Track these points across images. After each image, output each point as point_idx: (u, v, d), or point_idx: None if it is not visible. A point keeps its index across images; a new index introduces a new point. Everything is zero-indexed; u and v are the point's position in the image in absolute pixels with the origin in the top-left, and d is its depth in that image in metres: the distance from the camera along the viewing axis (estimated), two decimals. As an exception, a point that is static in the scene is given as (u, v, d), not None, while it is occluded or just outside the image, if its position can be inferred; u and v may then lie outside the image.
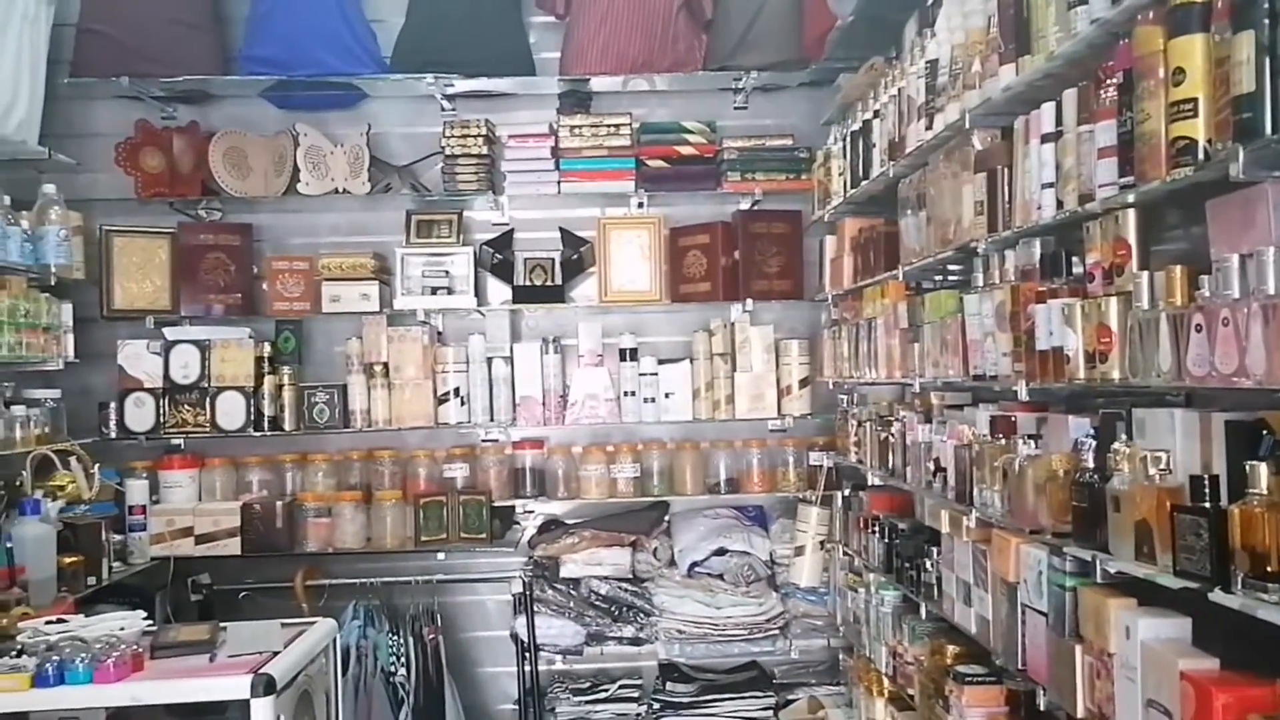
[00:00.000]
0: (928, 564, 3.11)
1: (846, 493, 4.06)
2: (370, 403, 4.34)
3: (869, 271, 3.62)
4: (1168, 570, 1.80)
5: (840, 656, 4.35)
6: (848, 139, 3.75)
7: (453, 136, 4.35)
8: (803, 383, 4.44)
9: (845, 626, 4.08)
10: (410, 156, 4.54)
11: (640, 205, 4.52)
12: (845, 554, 4.02)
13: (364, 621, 4.09)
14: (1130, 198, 1.95)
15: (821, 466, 4.28)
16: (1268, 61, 1.53)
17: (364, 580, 4.24)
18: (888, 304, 3.41)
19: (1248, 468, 1.63)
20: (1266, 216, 1.68)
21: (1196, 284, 1.79)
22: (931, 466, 3.00)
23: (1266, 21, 1.53)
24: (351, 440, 4.45)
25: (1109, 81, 1.98)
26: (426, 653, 4.13)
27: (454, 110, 4.54)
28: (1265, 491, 1.60)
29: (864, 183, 3.54)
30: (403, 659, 4.07)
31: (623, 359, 4.43)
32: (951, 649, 2.97)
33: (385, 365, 4.35)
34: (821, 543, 4.21)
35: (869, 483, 3.79)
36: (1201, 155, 1.71)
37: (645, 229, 4.47)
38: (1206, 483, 1.74)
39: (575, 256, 4.54)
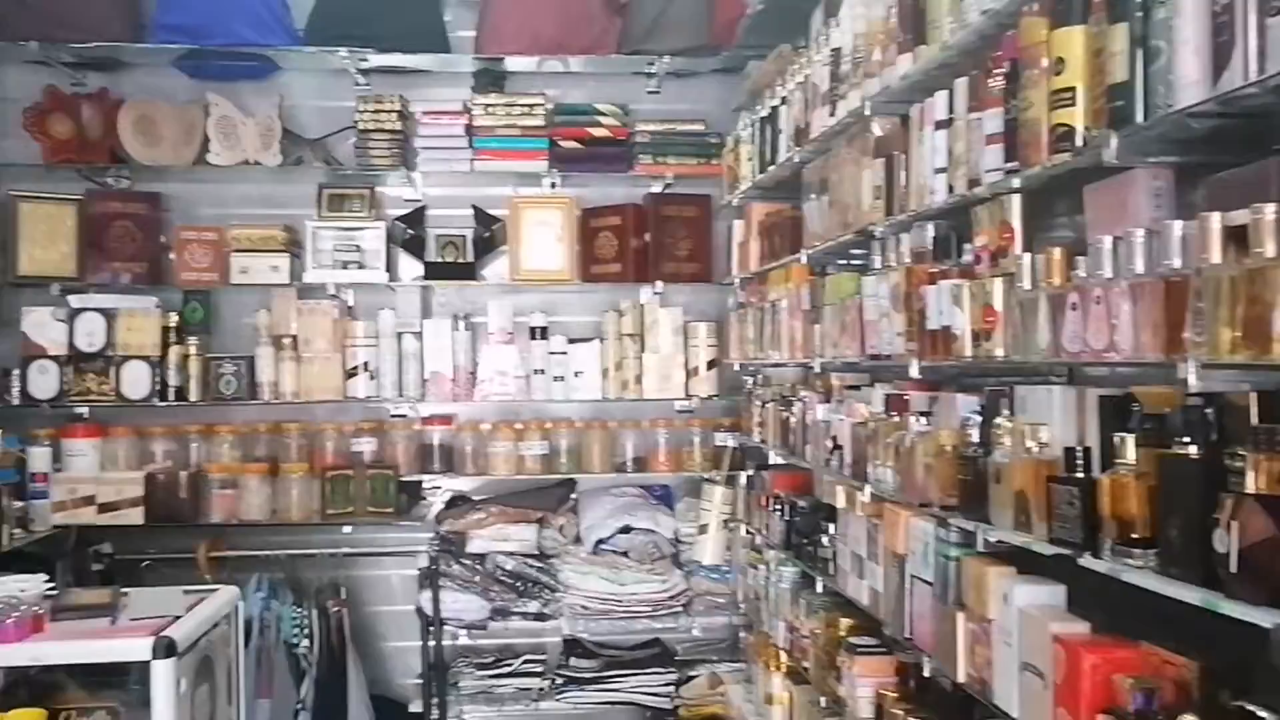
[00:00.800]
0: (824, 540, 3.20)
1: (750, 472, 4.15)
2: (278, 375, 4.31)
3: (775, 255, 3.70)
4: (1043, 538, 1.90)
5: (740, 633, 4.46)
6: (756, 125, 3.83)
7: (366, 111, 4.34)
8: (710, 364, 4.53)
9: (746, 603, 4.18)
10: (323, 130, 4.52)
11: (553, 185, 4.57)
12: (747, 532, 4.11)
13: (268, 593, 4.08)
14: (1015, 183, 2.05)
15: (726, 446, 4.37)
16: (1140, 52, 1.63)
17: (269, 552, 4.22)
18: (791, 287, 3.49)
19: (1116, 440, 1.73)
20: (1137, 200, 1.79)
21: (1075, 265, 1.89)
22: (830, 444, 3.09)
23: (1139, 14, 1.62)
24: (259, 412, 4.42)
25: (996, 71, 2.08)
26: (330, 626, 4.13)
27: (368, 85, 4.52)
28: (1133, 462, 1.69)
29: (771, 168, 3.62)
30: (306, 631, 4.06)
31: (533, 337, 4.47)
32: (845, 622, 3.07)
33: (294, 338, 4.33)
34: (725, 521, 4.29)
35: (771, 462, 3.88)
36: (1080, 142, 1.80)
37: (557, 209, 4.51)
38: (1080, 454, 1.84)
39: (487, 234, 4.56)
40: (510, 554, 4.34)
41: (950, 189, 2.32)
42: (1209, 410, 1.53)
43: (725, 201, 4.33)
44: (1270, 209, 1.34)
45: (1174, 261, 1.54)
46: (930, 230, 2.50)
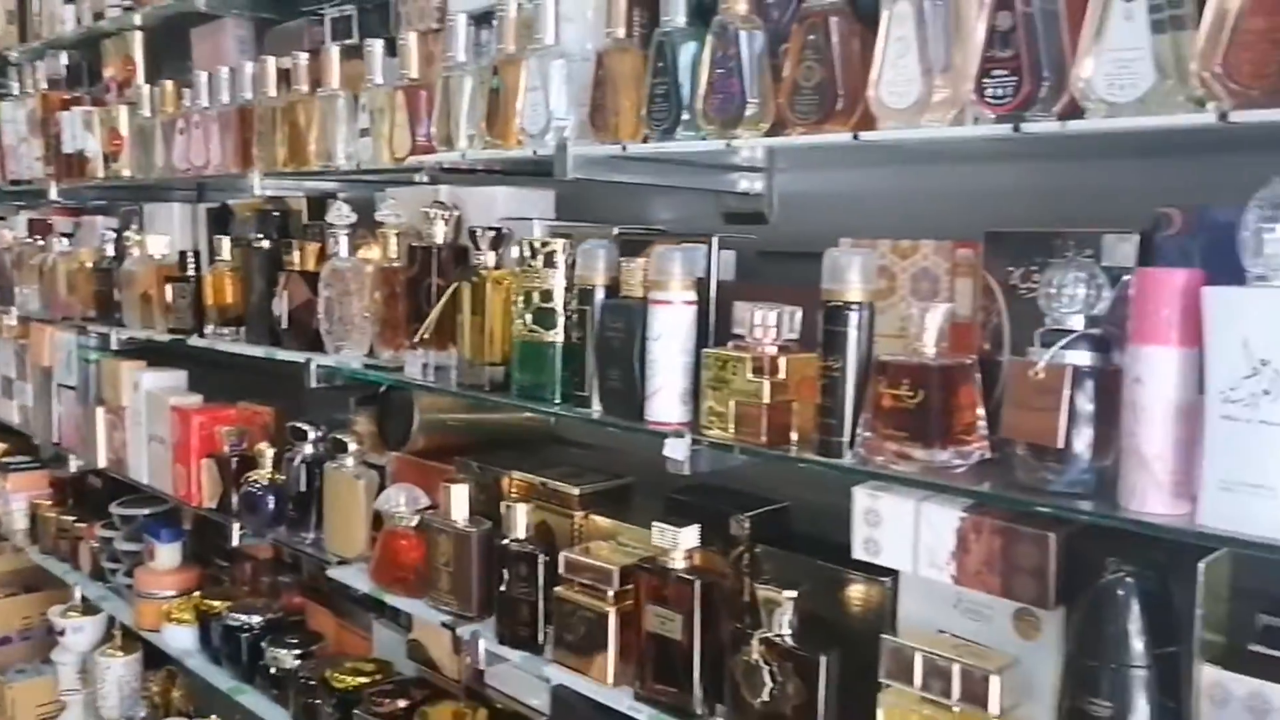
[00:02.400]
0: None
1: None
2: None
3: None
4: (164, 330, 2.25)
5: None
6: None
7: None
8: None
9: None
10: None
11: None
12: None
13: None
14: (136, 20, 2.31)
15: None
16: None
17: None
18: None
19: (217, 241, 2.12)
20: (228, 45, 2.17)
21: (185, 97, 2.22)
22: (-28, 275, 3.10)
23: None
24: None
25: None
26: None
27: None
28: (228, 258, 2.10)
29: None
30: None
31: None
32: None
33: None
34: None
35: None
36: (180, -10, 2.12)
37: None
38: (191, 256, 2.20)
39: None
40: None
41: (79, 21, 2.50)
42: (276, 213, 1.98)
43: None
44: (304, 56, 1.79)
45: (247, 94, 1.95)
46: (64, 59, 2.65)
